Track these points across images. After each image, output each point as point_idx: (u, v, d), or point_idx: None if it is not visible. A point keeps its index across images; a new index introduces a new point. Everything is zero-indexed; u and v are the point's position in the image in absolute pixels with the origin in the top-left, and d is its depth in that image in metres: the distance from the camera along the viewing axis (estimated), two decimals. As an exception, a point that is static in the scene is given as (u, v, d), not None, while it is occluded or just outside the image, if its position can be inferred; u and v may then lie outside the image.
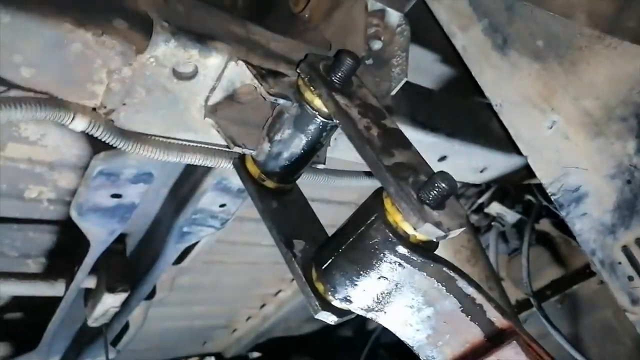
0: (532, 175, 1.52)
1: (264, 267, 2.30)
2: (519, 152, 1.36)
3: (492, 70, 0.89)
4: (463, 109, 1.27)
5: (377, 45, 0.99)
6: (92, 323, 1.59)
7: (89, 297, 1.59)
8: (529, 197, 1.86)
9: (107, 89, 0.77)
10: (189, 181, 1.37)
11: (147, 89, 0.78)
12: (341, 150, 1.08)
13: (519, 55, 0.85)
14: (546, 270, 2.14)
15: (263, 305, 2.59)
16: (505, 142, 1.31)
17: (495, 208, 1.81)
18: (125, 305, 1.62)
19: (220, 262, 2.14)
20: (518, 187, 1.85)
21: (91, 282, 1.55)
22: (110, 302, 1.50)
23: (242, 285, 2.38)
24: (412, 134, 1.12)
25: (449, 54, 1.41)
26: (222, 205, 1.37)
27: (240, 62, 0.77)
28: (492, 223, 1.87)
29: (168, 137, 0.89)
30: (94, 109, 0.81)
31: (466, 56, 0.95)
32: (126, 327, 1.92)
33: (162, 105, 0.81)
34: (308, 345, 3.00)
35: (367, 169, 1.26)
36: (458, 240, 1.38)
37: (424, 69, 1.49)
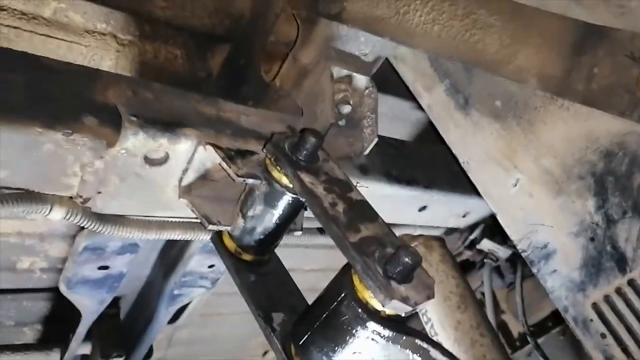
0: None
1: (263, 314, 2.29)
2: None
3: (457, 129, 0.92)
4: (439, 158, 1.29)
5: (346, 109, 1.03)
6: (88, 391, 1.58)
7: (85, 364, 1.58)
8: (519, 230, 1.87)
9: (81, 180, 0.80)
10: (176, 245, 1.39)
11: (121, 177, 0.81)
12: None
13: (480, 115, 0.88)
14: (545, 301, 2.12)
15: (265, 353, 2.57)
16: (484, 187, 1.33)
17: (486, 245, 1.81)
18: (121, 370, 1.61)
19: (218, 314, 2.13)
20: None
21: (86, 349, 1.55)
22: (106, 368, 1.50)
23: (242, 335, 2.37)
24: (388, 189, 1.14)
25: (424, 102, 1.45)
26: (211, 266, 1.38)
27: (209, 147, 0.80)
28: (485, 260, 1.87)
29: (146, 216, 0.92)
30: (71, 197, 0.84)
31: (432, 115, 0.98)
32: (126, 389, 1.90)
33: (137, 189, 0.84)
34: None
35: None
36: (447, 286, 1.39)
37: (400, 116, 1.53)
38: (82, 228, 1.15)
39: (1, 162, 0.71)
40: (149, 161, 0.81)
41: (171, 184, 0.85)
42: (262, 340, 2.52)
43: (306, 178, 0.76)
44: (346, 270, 0.71)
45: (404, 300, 0.65)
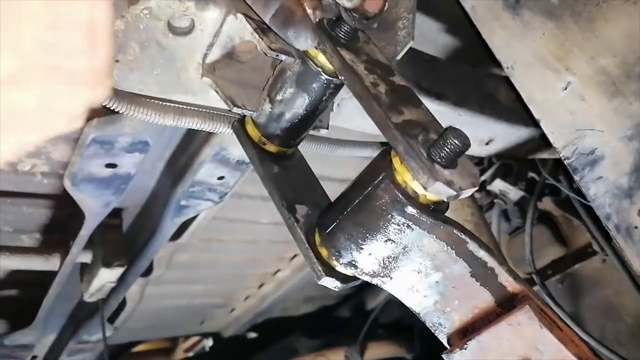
0: (537, 149, 1.50)
1: (263, 245, 2.28)
2: (526, 124, 1.33)
3: (503, 32, 0.85)
4: (469, 78, 1.23)
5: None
6: (88, 298, 1.57)
7: (85, 272, 1.56)
8: (532, 174, 1.83)
9: (99, 43, 0.73)
10: (186, 153, 1.33)
11: (141, 44, 0.74)
12: (345, 117, 1.04)
13: (532, 15, 0.81)
14: (547, 250, 2.12)
15: (261, 285, 2.58)
16: (512, 113, 1.28)
17: (498, 185, 1.78)
18: (122, 281, 1.59)
19: (219, 240, 2.11)
20: (521, 164, 1.82)
21: (87, 257, 1.52)
22: (107, 277, 1.48)
23: (240, 264, 2.37)
24: (417, 100, 1.07)
25: (454, 23, 1.37)
26: (221, 178, 1.33)
27: (240, 16, 0.73)
28: (495, 201, 1.84)
29: (164, 100, 0.85)
30: (86, 67, 0.77)
31: (475, 17, 0.91)
32: (123, 304, 1.90)
33: (158, 63, 0.77)
34: (306, 326, 2.99)
35: (372, 139, 1.23)
36: (461, 214, 1.36)
37: (428, 38, 1.44)
38: (90, 118, 1.10)
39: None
40: (173, 29, 0.74)
41: (195, 60, 0.79)
42: (260, 273, 2.53)
43: (346, 55, 0.69)
44: (384, 154, 0.66)
45: (449, 183, 0.60)
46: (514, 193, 1.78)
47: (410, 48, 1.02)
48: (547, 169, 1.70)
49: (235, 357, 2.92)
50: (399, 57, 1.01)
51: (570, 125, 0.76)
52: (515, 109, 1.26)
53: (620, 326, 1.88)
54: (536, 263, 1.89)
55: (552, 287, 2.05)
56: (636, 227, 0.69)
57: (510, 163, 1.75)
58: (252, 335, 3.04)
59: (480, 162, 1.87)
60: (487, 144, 1.29)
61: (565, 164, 0.76)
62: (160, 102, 0.86)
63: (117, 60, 0.75)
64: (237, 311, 2.73)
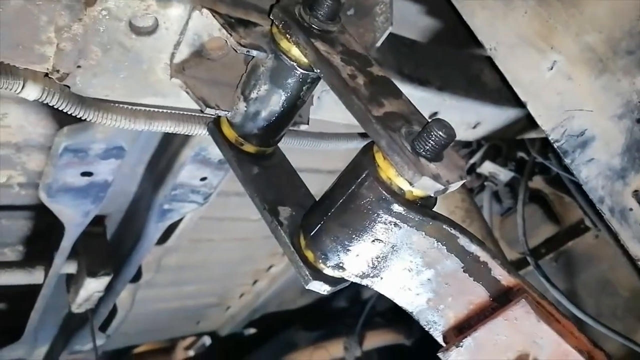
0: (525, 129, 1.47)
1: (254, 242, 2.25)
2: (512, 105, 1.30)
3: (483, 12, 0.82)
4: (452, 61, 1.20)
5: (358, -8, 0.91)
6: (76, 309, 1.53)
7: (71, 282, 1.52)
8: (521, 154, 1.81)
9: (57, 50, 0.68)
10: (165, 155, 1.29)
11: (103, 47, 0.69)
12: (325, 110, 1.00)
13: (514, -7, 0.78)
14: (540, 229, 2.11)
15: (255, 281, 2.55)
16: (498, 95, 1.25)
17: (487, 167, 1.76)
18: (110, 289, 1.56)
19: (208, 240, 2.08)
20: (510, 145, 1.80)
21: (72, 268, 1.48)
22: (93, 286, 1.44)
23: (232, 262, 2.33)
24: (400, 88, 1.04)
25: (434, 5, 1.33)
26: (203, 179, 1.29)
27: (206, 11, 0.69)
28: (485, 183, 1.82)
29: (133, 104, 0.81)
30: (47, 75, 0.73)
31: (455, -2, 0.88)
32: (114, 311, 1.86)
33: (122, 66, 0.73)
34: (303, 318, 2.98)
35: (357, 131, 1.19)
36: (452, 201, 1.33)
37: (408, 21, 1.40)
38: (61, 127, 1.05)
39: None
40: (136, 29, 0.70)
41: (162, 60, 0.74)
42: (253, 269, 2.50)
43: (321, 47, 0.65)
44: (366, 149, 0.63)
45: (435, 177, 0.57)
46: (504, 174, 1.76)
47: (390, 33, 0.98)
48: (536, 148, 1.68)
49: (235, 354, 2.90)
50: (378, 44, 0.97)
51: (558, 107, 0.73)
52: (501, 90, 1.23)
53: (616, 300, 1.88)
54: (529, 242, 1.88)
55: (547, 266, 2.05)
56: (631, 209, 0.67)
57: (499, 144, 1.73)
58: (250, 331, 3.02)
59: (469, 145, 1.85)
60: (474, 127, 1.27)
61: (555, 147, 0.74)
62: (130, 107, 0.81)
63: (78, 66, 0.71)
64: (233, 309, 2.70)
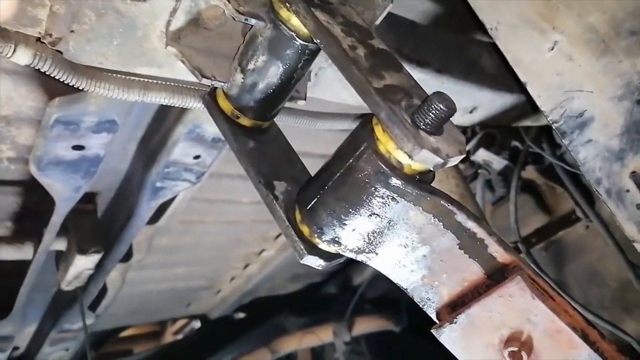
0: (521, 116, 1.47)
1: (246, 226, 2.24)
2: (510, 91, 1.30)
3: (486, -9, 0.81)
4: (451, 44, 1.19)
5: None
6: (65, 287, 1.52)
7: (61, 260, 1.51)
8: (515, 143, 1.82)
9: (50, 12, 0.66)
10: (158, 132, 1.27)
11: (97, 11, 0.68)
12: (323, 88, 0.99)
13: (517, -29, 0.77)
14: (531, 218, 2.12)
15: (247, 265, 2.55)
16: (495, 80, 1.24)
17: (481, 155, 1.76)
18: (100, 268, 1.54)
19: (200, 222, 2.06)
20: (504, 133, 1.80)
21: (61, 245, 1.46)
22: (83, 264, 1.42)
23: (223, 245, 2.32)
24: (398, 67, 1.03)
25: (434, -12, 1.32)
26: (197, 157, 1.28)
27: (204, -23, 0.67)
28: (479, 171, 1.83)
29: (127, 73, 0.79)
30: (39, 40, 0.71)
31: (457, -22, 0.86)
32: (104, 290, 1.85)
33: (117, 32, 0.71)
34: (294, 304, 2.99)
35: (353, 112, 1.18)
36: (446, 185, 1.33)
37: (407, 4, 1.39)
38: (52, 98, 1.03)
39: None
40: (132, -6, 0.68)
41: (157, 28, 0.73)
42: (244, 253, 2.49)
43: (321, 16, 0.64)
44: (366, 122, 0.62)
45: (435, 151, 0.57)
46: (497, 162, 1.77)
47: (390, 13, 0.97)
48: (530, 137, 1.68)
49: (224, 337, 2.90)
50: (378, 22, 0.96)
51: (557, 87, 0.72)
52: (498, 76, 1.22)
53: (604, 291, 1.90)
54: (521, 232, 1.89)
55: (537, 255, 2.06)
56: (627, 191, 0.67)
57: (493, 132, 1.73)
58: (240, 315, 3.02)
59: (464, 133, 1.85)
60: (470, 112, 1.26)
61: (554, 127, 0.73)
62: (124, 77, 0.80)
63: (72, 31, 0.69)
64: (223, 292, 2.70)
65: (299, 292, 3.03)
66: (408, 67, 1.08)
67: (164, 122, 1.25)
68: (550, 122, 0.74)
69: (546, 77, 0.74)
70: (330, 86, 0.99)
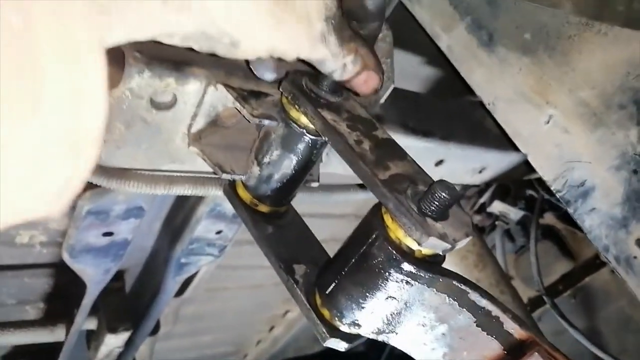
0: (531, 170, 1.50)
1: (269, 289, 2.26)
2: (516, 149, 1.33)
3: (480, 69, 0.86)
4: (455, 110, 1.24)
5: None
6: (96, 366, 1.54)
7: (92, 339, 1.54)
8: (530, 192, 1.83)
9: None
10: (182, 211, 1.33)
11: (126, 123, 0.75)
12: (335, 165, 1.04)
13: (507, 51, 0.82)
14: (555, 265, 2.10)
15: (272, 328, 2.54)
16: (501, 140, 1.28)
17: (497, 207, 1.78)
18: (129, 344, 1.57)
19: (224, 289, 2.09)
20: (518, 183, 1.82)
21: (92, 324, 1.50)
22: (113, 342, 1.46)
23: (248, 310, 2.34)
24: (405, 141, 1.08)
25: (434, 55, 1.39)
26: (219, 232, 1.33)
27: (220, 86, 0.74)
28: (496, 222, 1.84)
29: (154, 170, 0.86)
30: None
31: (453, 57, 0.93)
32: (133, 365, 1.86)
33: (144, 138, 0.78)
34: (322, 363, 2.94)
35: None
36: (463, 246, 1.34)
37: (410, 72, 1.47)
38: (83, 191, 1.10)
39: None
40: (156, 105, 0.75)
41: (180, 131, 0.79)
42: (269, 316, 2.49)
43: (327, 115, 0.70)
44: (376, 210, 0.66)
45: (442, 237, 0.60)
46: (514, 213, 1.78)
47: (393, 88, 1.03)
48: (544, 186, 1.70)
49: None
50: (382, 101, 1.03)
51: (557, 158, 0.76)
52: (504, 136, 1.26)
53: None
54: (546, 279, 1.87)
55: (565, 303, 2.03)
56: (635, 257, 0.69)
57: (507, 184, 1.75)
58: (268, 378, 2.97)
59: (478, 184, 1.87)
60: (480, 172, 1.30)
61: (558, 197, 0.76)
62: (150, 173, 0.86)
63: (104, 141, 0.76)
64: (250, 356, 2.68)
65: (326, 352, 2.98)
66: (414, 139, 1.14)
67: (186, 201, 1.31)
68: (555, 191, 0.77)
69: (545, 149, 0.78)
70: (341, 162, 1.04)
